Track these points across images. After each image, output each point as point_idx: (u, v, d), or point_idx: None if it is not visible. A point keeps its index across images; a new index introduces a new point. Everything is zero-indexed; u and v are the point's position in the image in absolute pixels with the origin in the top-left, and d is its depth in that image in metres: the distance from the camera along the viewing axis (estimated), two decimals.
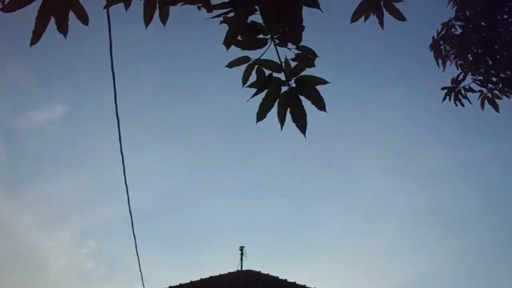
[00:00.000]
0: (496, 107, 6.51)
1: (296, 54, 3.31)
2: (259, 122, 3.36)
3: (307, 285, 16.02)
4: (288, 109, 3.32)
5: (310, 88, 3.29)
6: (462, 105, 6.52)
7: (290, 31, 3.18)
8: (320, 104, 3.27)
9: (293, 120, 3.31)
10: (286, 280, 16.74)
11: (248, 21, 3.20)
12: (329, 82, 3.31)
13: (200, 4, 3.15)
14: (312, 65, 3.32)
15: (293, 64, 3.32)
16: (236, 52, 3.42)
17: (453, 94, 6.52)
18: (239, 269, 18.44)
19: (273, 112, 3.40)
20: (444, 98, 6.55)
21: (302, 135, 3.33)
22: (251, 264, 19.02)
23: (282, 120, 3.35)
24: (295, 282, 16.38)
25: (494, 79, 6.43)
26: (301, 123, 3.30)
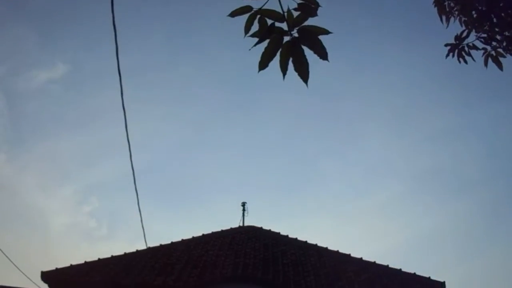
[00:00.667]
0: (499, 65, 6.48)
1: (298, 4, 3.30)
2: (261, 73, 3.37)
3: (308, 241, 16.27)
4: (290, 59, 3.34)
5: (312, 38, 3.29)
6: (465, 62, 6.48)
7: None
8: (322, 53, 3.28)
9: (295, 70, 3.31)
10: (287, 236, 16.99)
11: None
12: (331, 32, 3.31)
13: None
14: (314, 14, 3.32)
15: (295, 14, 3.32)
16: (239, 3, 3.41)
17: (456, 50, 6.47)
18: (241, 225, 18.68)
19: (275, 69, 3.41)
20: (448, 55, 6.50)
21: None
22: (253, 220, 19.32)
23: (284, 70, 3.35)
24: (296, 238, 16.63)
25: (498, 37, 6.38)
26: (303, 72, 3.31)
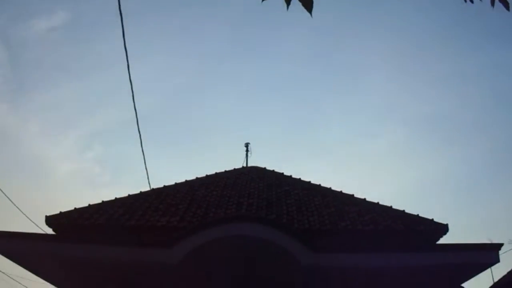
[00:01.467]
0: (506, 5, 6.16)
1: None
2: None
3: (312, 182, 16.27)
4: None
5: None
6: (472, 1, 6.17)
7: None
8: None
9: None
10: (291, 176, 17.00)
11: None
12: None
13: None
14: None
15: None
16: None
17: None
18: (244, 165, 18.69)
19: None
20: None
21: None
22: (256, 161, 19.32)
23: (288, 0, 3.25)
24: (299, 179, 16.64)
25: None
26: (307, 1, 3.19)
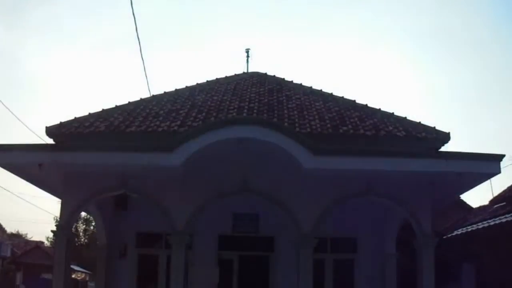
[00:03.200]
0: None
1: None
2: None
3: (313, 87, 16.07)
4: None
5: None
6: None
7: None
8: None
9: None
10: (292, 81, 16.78)
11: None
12: None
13: None
14: None
15: None
16: None
17: None
18: (245, 71, 18.42)
19: None
20: None
21: None
22: (258, 67, 18.99)
23: None
24: (301, 84, 16.42)
25: None
26: None
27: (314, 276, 11.44)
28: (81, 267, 44.60)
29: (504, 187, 21.00)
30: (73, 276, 36.26)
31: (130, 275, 15.22)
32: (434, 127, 13.16)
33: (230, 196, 11.77)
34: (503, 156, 10.84)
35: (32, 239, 58.05)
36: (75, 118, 13.62)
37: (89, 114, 13.82)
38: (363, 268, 15.01)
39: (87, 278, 41.95)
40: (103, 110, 14.10)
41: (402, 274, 17.36)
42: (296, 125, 12.69)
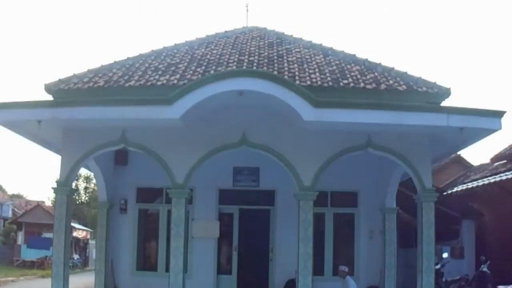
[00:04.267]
0: None
1: None
2: None
3: (313, 41, 15.86)
4: None
5: None
6: None
7: None
8: None
9: None
10: (292, 35, 16.58)
11: None
12: None
13: None
14: None
15: None
16: None
17: None
18: (245, 25, 18.21)
19: None
20: None
21: None
22: (257, 22, 18.82)
23: None
24: (301, 38, 16.22)
25: None
26: None
27: (314, 230, 11.50)
28: (82, 225, 45.03)
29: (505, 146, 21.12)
30: (74, 234, 36.61)
31: (130, 231, 15.43)
32: (435, 82, 13.06)
33: (230, 149, 11.71)
34: (504, 112, 10.75)
35: (33, 199, 58.42)
36: (74, 74, 13.50)
37: (88, 70, 13.67)
38: (364, 222, 15.20)
39: (89, 236, 42.33)
40: (102, 65, 13.94)
41: (403, 229, 17.57)
42: (296, 78, 12.55)
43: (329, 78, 12.75)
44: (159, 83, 12.67)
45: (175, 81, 12.49)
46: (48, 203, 49.44)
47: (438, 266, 14.13)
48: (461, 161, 27.88)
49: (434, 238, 11.72)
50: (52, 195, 44.55)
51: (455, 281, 13.72)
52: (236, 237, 15.26)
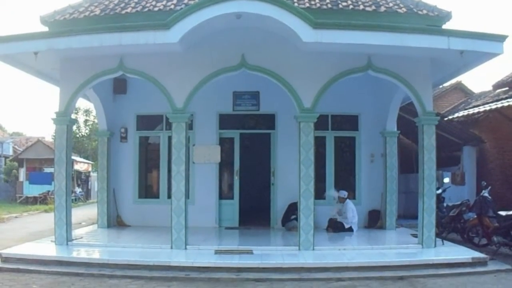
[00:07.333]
0: None
1: None
2: None
3: None
4: None
5: None
6: None
7: None
8: None
9: None
10: None
11: None
12: None
13: None
14: None
15: None
16: None
17: None
18: None
19: None
20: None
21: None
22: None
23: None
24: None
25: None
26: None
27: (315, 153, 11.57)
28: (83, 158, 45.35)
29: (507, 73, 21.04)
30: (75, 167, 36.90)
31: (131, 159, 15.58)
32: (436, 5, 12.87)
33: (229, 72, 11.61)
34: (506, 36, 10.61)
35: (33, 136, 58.44)
36: (69, 5, 13.27)
37: None
38: (365, 146, 15.36)
39: (90, 169, 42.69)
40: None
41: (403, 155, 17.77)
42: (295, 0, 12.36)
43: (327, 0, 12.54)
44: (156, 8, 12.48)
45: (172, 6, 12.30)
46: (48, 138, 49.53)
47: (439, 191, 14.36)
48: (462, 88, 27.80)
49: (436, 162, 11.79)
50: (52, 131, 44.60)
51: (456, 206, 13.98)
52: (237, 162, 15.42)
